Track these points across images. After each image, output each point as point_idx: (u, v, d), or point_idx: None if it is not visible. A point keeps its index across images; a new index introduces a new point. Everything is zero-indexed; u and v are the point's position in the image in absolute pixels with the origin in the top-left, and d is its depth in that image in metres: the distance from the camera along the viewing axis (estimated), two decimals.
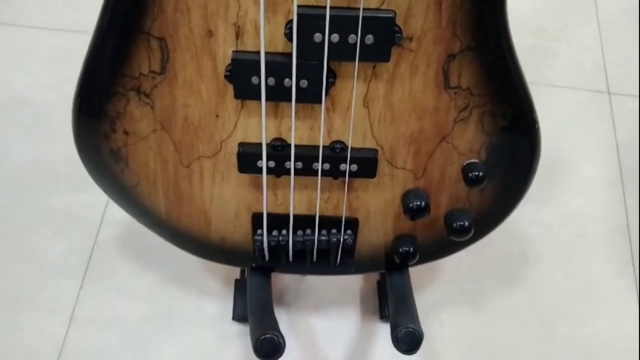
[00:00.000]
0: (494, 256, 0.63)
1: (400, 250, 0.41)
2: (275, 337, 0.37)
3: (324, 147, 0.36)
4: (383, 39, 0.31)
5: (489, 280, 0.62)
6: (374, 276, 0.59)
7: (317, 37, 0.30)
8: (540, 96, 0.74)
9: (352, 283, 0.61)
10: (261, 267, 0.45)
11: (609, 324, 0.60)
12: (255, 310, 0.44)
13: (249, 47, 0.32)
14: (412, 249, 0.41)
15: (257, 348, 0.38)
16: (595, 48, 0.80)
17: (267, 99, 0.33)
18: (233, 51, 0.32)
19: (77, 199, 0.63)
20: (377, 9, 0.30)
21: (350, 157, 0.36)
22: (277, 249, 0.42)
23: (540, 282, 0.63)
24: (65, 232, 0.62)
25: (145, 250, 0.61)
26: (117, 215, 0.62)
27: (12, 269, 0.60)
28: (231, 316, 0.56)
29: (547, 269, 0.64)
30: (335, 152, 0.36)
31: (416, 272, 0.61)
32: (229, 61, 0.32)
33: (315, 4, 0.30)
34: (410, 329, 0.35)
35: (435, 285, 0.61)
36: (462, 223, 0.39)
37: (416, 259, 0.42)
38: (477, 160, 0.37)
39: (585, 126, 0.74)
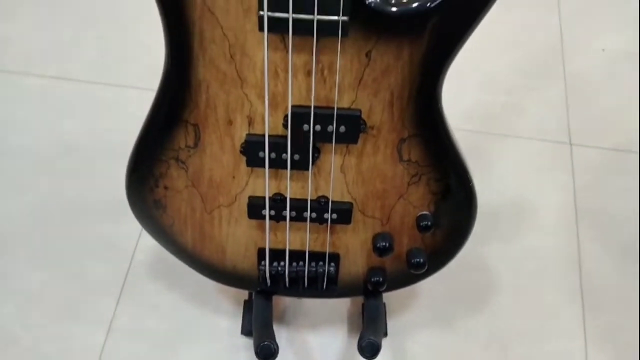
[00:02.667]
0: (463, 285, 0.74)
1: (372, 279, 0.53)
2: (271, 345, 0.49)
3: (311, 200, 0.48)
4: (352, 128, 0.43)
5: (457, 305, 0.73)
6: (360, 299, 0.70)
7: (305, 126, 0.42)
8: (510, 147, 0.87)
9: (342, 305, 0.72)
10: (264, 291, 0.57)
11: (558, 345, 0.70)
12: (259, 326, 0.55)
13: (257, 131, 0.44)
14: (381, 279, 0.52)
15: (258, 352, 0.50)
16: (561, 103, 0.91)
17: (269, 167, 0.45)
18: (246, 134, 0.44)
19: (115, 230, 0.75)
20: (348, 108, 0.43)
21: (332, 208, 0.48)
22: (276, 277, 0.54)
23: (501, 308, 0.73)
24: (106, 257, 0.73)
25: (171, 273, 0.72)
26: (149, 243, 0.71)
27: (61, 286, 0.71)
28: (240, 331, 0.67)
29: (508, 296, 0.74)
30: (320, 204, 0.48)
31: (396, 298, 0.72)
32: (243, 141, 0.45)
33: (304, 104, 0.42)
34: (371, 340, 0.47)
35: (412, 309, 0.72)
36: (418, 260, 0.50)
37: (384, 287, 0.53)
38: (427, 212, 0.49)
39: (547, 173, 0.85)
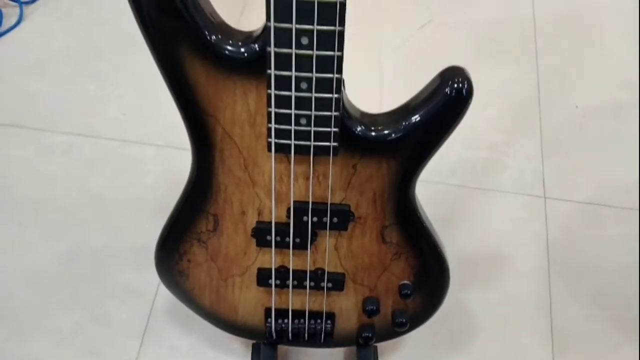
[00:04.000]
0: (447, 328, 0.81)
1: (363, 335, 0.62)
2: None
3: (310, 271, 0.58)
4: (343, 219, 0.52)
5: (441, 347, 0.80)
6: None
7: (305, 218, 0.52)
8: (490, 200, 0.96)
9: (339, 350, 0.79)
10: (270, 342, 0.66)
11: None
12: None
13: (265, 219, 0.54)
14: (371, 335, 0.62)
15: None
16: (537, 158, 1.00)
17: (275, 247, 0.55)
18: (256, 222, 0.54)
19: (138, 278, 0.83)
20: (339, 204, 0.52)
21: (327, 278, 0.58)
22: (281, 332, 0.63)
23: (479, 349, 0.81)
24: (129, 302, 0.82)
25: (188, 319, 0.77)
26: (168, 291, 0.75)
27: (88, 328, 0.79)
28: None
29: (485, 338, 0.82)
30: (318, 275, 0.58)
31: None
32: (253, 226, 0.54)
33: (303, 200, 0.51)
34: None
35: (400, 351, 0.80)
36: (401, 319, 0.59)
37: (373, 341, 0.62)
38: (407, 282, 0.58)
39: (523, 225, 0.93)
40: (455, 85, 0.44)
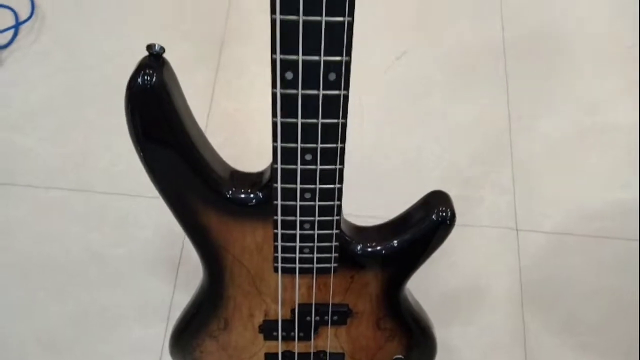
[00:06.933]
0: None
1: None
2: None
3: (313, 353, 0.63)
4: (342, 316, 0.58)
5: None
6: None
7: (308, 318, 0.57)
8: (468, 235, 1.02)
9: None
10: None
11: None
12: None
13: (271, 318, 0.59)
14: None
15: None
16: (509, 191, 1.07)
17: (282, 340, 0.60)
18: (263, 320, 0.59)
19: (143, 333, 0.88)
20: (339, 304, 0.57)
21: (329, 358, 0.63)
22: None
23: None
24: (136, 357, 0.87)
25: None
26: None
27: None
28: None
29: None
30: (320, 356, 0.63)
31: None
32: (260, 324, 0.59)
33: (307, 302, 0.57)
34: None
35: None
36: None
37: None
38: (401, 356, 0.64)
39: (498, 258, 1.00)
40: (441, 213, 0.49)
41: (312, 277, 0.53)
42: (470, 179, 1.06)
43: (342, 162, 0.42)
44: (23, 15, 1.13)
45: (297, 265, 0.51)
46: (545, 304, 0.96)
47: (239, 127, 1.09)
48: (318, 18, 0.37)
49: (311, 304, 0.56)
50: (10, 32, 1.11)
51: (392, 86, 1.14)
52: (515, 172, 1.07)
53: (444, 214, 0.49)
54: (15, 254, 0.95)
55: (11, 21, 1.13)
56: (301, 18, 0.37)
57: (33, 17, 1.13)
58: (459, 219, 1.00)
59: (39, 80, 1.12)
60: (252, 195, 0.47)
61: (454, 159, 1.07)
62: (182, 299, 0.92)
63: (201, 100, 1.10)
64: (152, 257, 0.96)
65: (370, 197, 1.02)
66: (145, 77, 0.39)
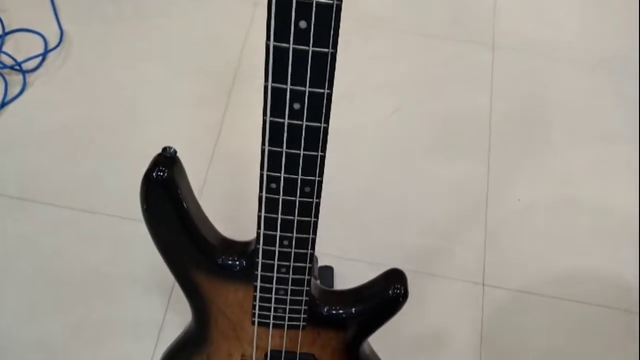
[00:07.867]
0: None
1: None
2: None
3: None
4: None
5: None
6: None
7: None
8: (437, 285, 1.11)
9: None
10: None
11: None
12: None
13: (247, 359, 0.67)
14: None
15: None
16: (480, 248, 1.15)
17: None
18: (241, 357, 0.67)
19: (136, 347, 0.96)
20: (306, 353, 0.66)
21: None
22: None
23: None
24: None
25: None
26: None
27: None
28: None
29: None
30: None
31: None
32: None
33: (278, 349, 0.65)
34: None
35: None
36: None
37: None
38: None
39: (463, 309, 1.09)
40: (396, 290, 0.58)
41: (284, 330, 0.62)
42: (445, 233, 1.15)
43: (312, 248, 0.51)
44: (52, 42, 1.24)
45: (271, 321, 0.60)
46: (503, 358, 1.04)
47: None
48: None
49: (282, 352, 0.65)
50: (39, 58, 1.21)
51: (382, 141, 1.24)
52: (488, 232, 1.16)
53: (398, 291, 0.58)
54: (23, 265, 1.03)
55: (40, 47, 1.23)
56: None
57: (61, 45, 1.24)
58: (430, 268, 1.10)
59: (59, 102, 1.21)
60: (237, 263, 0.57)
61: (432, 214, 1.16)
62: (173, 319, 1.02)
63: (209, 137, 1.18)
64: (147, 279, 1.04)
65: (356, 242, 1.12)
66: (159, 173, 0.49)
